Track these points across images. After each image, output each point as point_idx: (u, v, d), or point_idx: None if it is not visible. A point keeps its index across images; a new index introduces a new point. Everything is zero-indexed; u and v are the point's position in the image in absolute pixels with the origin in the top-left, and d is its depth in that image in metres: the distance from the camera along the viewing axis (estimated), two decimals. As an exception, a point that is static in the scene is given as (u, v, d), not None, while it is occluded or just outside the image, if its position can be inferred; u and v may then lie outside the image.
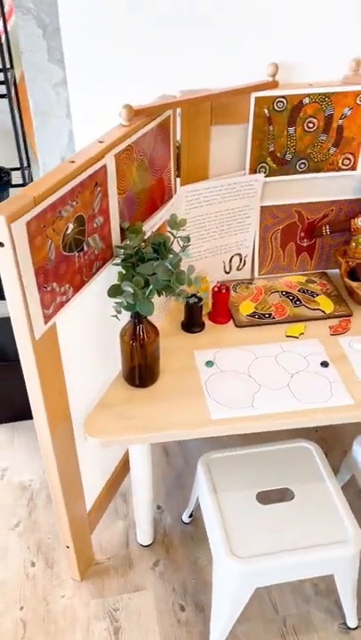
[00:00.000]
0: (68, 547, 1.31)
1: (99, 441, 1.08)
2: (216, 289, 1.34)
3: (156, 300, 1.27)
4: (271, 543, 1.16)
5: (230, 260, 1.48)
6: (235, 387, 1.19)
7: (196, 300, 1.30)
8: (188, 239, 1.05)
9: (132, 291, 0.95)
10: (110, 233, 1.07)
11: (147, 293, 0.96)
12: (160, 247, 1.05)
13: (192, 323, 1.34)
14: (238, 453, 1.32)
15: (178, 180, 1.34)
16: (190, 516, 1.51)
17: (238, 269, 1.50)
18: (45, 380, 0.98)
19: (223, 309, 1.36)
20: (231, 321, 1.37)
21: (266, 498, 1.24)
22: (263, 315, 1.38)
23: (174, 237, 1.06)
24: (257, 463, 1.30)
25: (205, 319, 1.37)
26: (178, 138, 1.28)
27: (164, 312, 1.37)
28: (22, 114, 1.79)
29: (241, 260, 1.49)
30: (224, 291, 1.34)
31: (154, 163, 1.18)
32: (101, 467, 1.42)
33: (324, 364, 1.24)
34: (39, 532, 1.51)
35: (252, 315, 1.38)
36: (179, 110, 1.24)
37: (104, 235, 1.05)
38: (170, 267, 0.96)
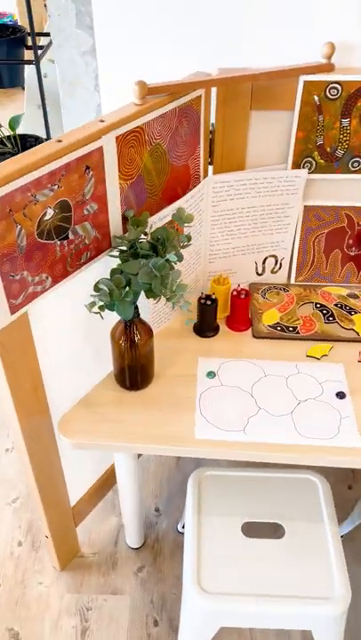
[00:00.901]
0: (46, 536, 1.28)
1: (70, 442, 1.02)
2: (235, 293, 1.21)
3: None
4: (245, 583, 1.04)
5: (264, 262, 1.34)
6: (231, 405, 1.07)
7: (210, 302, 1.19)
8: (188, 238, 0.94)
9: (107, 290, 0.86)
10: (108, 222, 0.98)
11: (122, 295, 0.87)
12: (158, 244, 0.95)
13: (204, 326, 1.22)
14: (235, 474, 1.20)
15: (211, 168, 1.22)
16: (184, 526, 1.42)
17: (273, 272, 1.36)
18: (11, 371, 0.92)
19: (242, 316, 1.23)
20: (250, 329, 1.25)
21: (252, 530, 1.12)
22: (287, 327, 1.23)
23: (176, 235, 0.95)
24: (252, 489, 1.18)
25: (222, 323, 1.26)
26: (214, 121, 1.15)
27: (180, 310, 1.27)
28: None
29: (277, 262, 1.35)
30: (243, 296, 1.21)
31: (175, 147, 1.07)
32: (95, 459, 1.37)
33: (341, 395, 1.09)
34: (33, 513, 1.49)
35: (275, 326, 1.24)
36: (215, 91, 1.11)
37: (99, 223, 0.96)
38: (153, 269, 0.85)
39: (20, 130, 1.61)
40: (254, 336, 1.22)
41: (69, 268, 0.94)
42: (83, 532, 1.42)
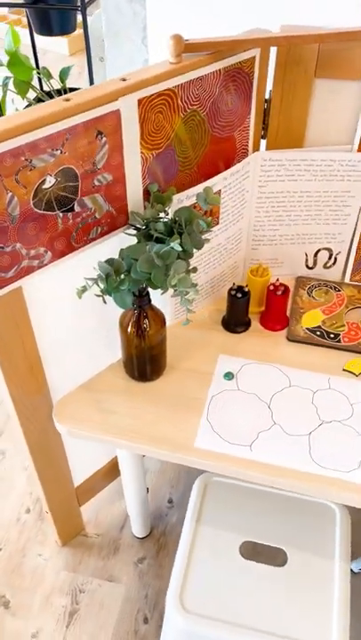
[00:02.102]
0: (46, 512, 1.24)
1: (64, 428, 0.95)
2: (272, 287, 1.07)
3: (201, 281, 1.07)
4: (232, 610, 0.95)
5: (316, 254, 1.18)
6: (243, 414, 0.95)
7: (241, 294, 1.06)
8: (208, 224, 0.82)
9: (102, 275, 0.76)
10: (125, 195, 0.87)
11: (117, 282, 0.76)
12: (176, 227, 0.83)
13: (232, 320, 1.10)
14: (244, 485, 1.09)
15: (263, 143, 1.07)
16: (194, 525, 1.34)
17: (326, 267, 1.20)
18: (2, 348, 0.86)
19: (277, 314, 1.10)
20: (286, 329, 1.11)
21: (252, 551, 1.02)
22: (328, 333, 1.08)
23: (198, 218, 0.83)
24: (261, 505, 1.07)
25: (256, 319, 1.13)
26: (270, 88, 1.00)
27: (212, 299, 1.15)
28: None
29: (331, 256, 1.18)
30: (281, 293, 1.07)
31: (218, 116, 0.93)
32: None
33: (373, 422, 0.94)
34: (47, 481, 1.47)
35: (314, 330, 1.09)
36: (275, 53, 0.95)
37: (114, 196, 0.86)
38: (155, 256, 0.74)
39: (73, 83, 1.52)
40: (288, 338, 1.09)
41: (75, 244, 0.85)
42: (90, 511, 1.38)
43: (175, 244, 0.74)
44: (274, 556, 1.02)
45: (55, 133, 0.73)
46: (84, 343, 1.01)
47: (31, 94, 1.37)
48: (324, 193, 1.07)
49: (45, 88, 1.31)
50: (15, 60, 1.14)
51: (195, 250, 0.85)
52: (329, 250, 1.17)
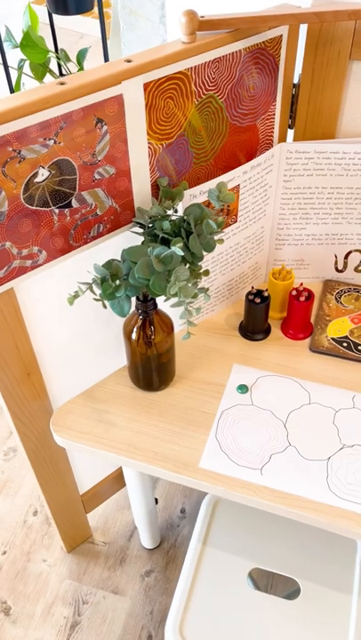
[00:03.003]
0: (51, 519, 1.19)
1: (61, 440, 0.89)
2: (294, 292, 0.98)
3: (218, 283, 0.99)
4: (235, 643, 0.87)
5: (346, 257, 1.08)
6: (255, 433, 0.87)
7: (260, 299, 0.97)
8: (218, 225, 0.73)
9: (98, 279, 0.68)
10: (131, 190, 0.79)
11: (111, 288, 0.69)
12: (184, 226, 0.75)
13: (249, 327, 1.01)
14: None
15: (291, 133, 0.97)
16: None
17: (357, 271, 1.09)
18: (-7, 354, 0.80)
19: (299, 322, 1.00)
20: (310, 339, 1.01)
21: (262, 579, 0.94)
22: (356, 345, 0.98)
23: (208, 217, 0.74)
24: (275, 529, 0.98)
25: (277, 326, 1.03)
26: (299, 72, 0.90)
27: (230, 302, 1.06)
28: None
29: (363, 259, 1.08)
30: (304, 299, 0.97)
31: (239, 103, 0.84)
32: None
33: None
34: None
35: (341, 340, 0.99)
36: (304, 31, 0.85)
37: (117, 191, 0.78)
38: (154, 261, 0.66)
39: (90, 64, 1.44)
40: (311, 349, 0.99)
41: (73, 242, 0.78)
42: (98, 517, 1.32)
43: (176, 248, 0.65)
44: (285, 587, 0.94)
45: (48, 121, 0.65)
46: (88, 348, 0.94)
47: (50, 79, 1.30)
48: (356, 190, 0.97)
49: (65, 72, 1.23)
50: (28, 42, 1.07)
51: (205, 252, 0.77)
52: (361, 252, 1.07)
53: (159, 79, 0.72)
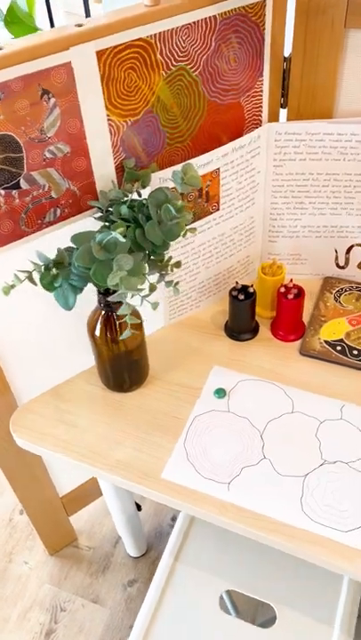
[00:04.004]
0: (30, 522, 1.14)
1: (21, 441, 0.83)
2: (283, 289, 0.89)
3: (202, 277, 0.91)
4: (199, 672, 0.80)
5: (348, 252, 0.98)
6: (228, 443, 0.79)
7: (243, 295, 0.88)
8: (178, 210, 0.65)
9: (37, 267, 0.62)
10: (92, 171, 0.72)
11: (49, 277, 0.62)
12: (142, 212, 0.67)
13: (234, 326, 0.93)
14: (239, 521, 0.93)
15: (284, 112, 0.88)
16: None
17: (361, 268, 0.99)
18: None
19: (288, 322, 0.91)
20: (300, 341, 0.92)
21: (235, 603, 0.86)
22: (351, 349, 0.89)
23: (168, 202, 0.67)
24: (252, 548, 0.90)
25: (268, 325, 0.95)
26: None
27: (217, 298, 0.98)
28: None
29: (367, 255, 0.98)
30: (293, 296, 0.88)
31: (218, 77, 0.76)
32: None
33: (390, 469, 0.74)
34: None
35: (335, 344, 0.90)
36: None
37: (75, 172, 0.71)
38: (95, 248, 0.59)
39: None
40: (301, 352, 0.90)
41: (26, 228, 0.71)
42: (85, 521, 1.27)
43: (117, 234, 0.58)
44: (260, 614, 0.85)
45: (-18, 90, 0.59)
46: (59, 343, 0.88)
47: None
48: (355, 177, 0.87)
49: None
50: (13, 18, 1.02)
51: (169, 241, 0.69)
52: (364, 247, 0.97)
53: (116, 47, 0.65)
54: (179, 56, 0.71)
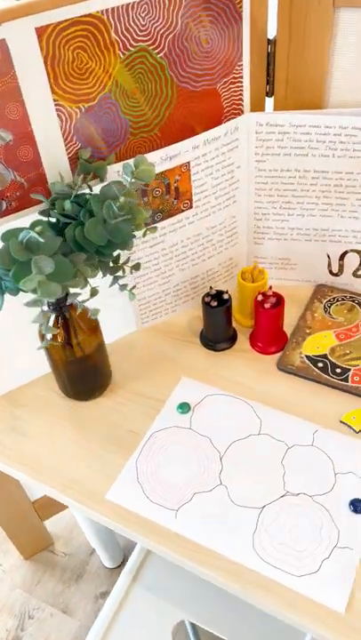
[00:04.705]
0: None
1: (-34, 445, 0.78)
2: (260, 297, 0.81)
3: (177, 279, 0.85)
4: None
5: (342, 258, 0.89)
6: (183, 464, 0.71)
7: (217, 302, 0.81)
8: (120, 207, 0.58)
9: None
10: (40, 162, 0.66)
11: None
12: (86, 208, 0.61)
13: (209, 334, 0.85)
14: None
15: (271, 102, 0.79)
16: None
17: (357, 275, 0.90)
18: None
19: (268, 332, 0.83)
20: (280, 354, 0.84)
21: (189, 636, 0.79)
22: (335, 367, 0.80)
23: (114, 198, 0.60)
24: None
25: (246, 335, 0.87)
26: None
27: (195, 302, 0.90)
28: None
29: (363, 262, 0.88)
30: (270, 305, 0.80)
31: (187, 60, 0.68)
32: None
33: (359, 507, 0.65)
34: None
35: (317, 360, 0.81)
36: (278, -30, 0.68)
37: (20, 162, 0.65)
38: (14, 247, 0.53)
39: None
40: (278, 367, 0.82)
41: (-34, 221, 0.66)
42: (64, 525, 1.22)
43: (34, 233, 0.52)
44: (215, 650, 0.78)
45: None
46: (15, 345, 0.83)
47: None
48: (347, 175, 0.78)
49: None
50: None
51: (118, 242, 0.62)
52: (360, 253, 0.87)
53: (60, 23, 0.59)
54: (138, 35, 0.64)
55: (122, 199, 0.58)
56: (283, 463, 0.71)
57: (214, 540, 0.65)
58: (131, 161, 0.63)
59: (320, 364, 0.80)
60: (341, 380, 0.78)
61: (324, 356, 0.81)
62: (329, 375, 0.79)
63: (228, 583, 0.62)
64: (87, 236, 0.59)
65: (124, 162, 0.63)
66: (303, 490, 0.68)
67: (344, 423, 0.74)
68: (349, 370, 0.79)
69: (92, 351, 0.76)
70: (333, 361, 0.81)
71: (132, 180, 0.61)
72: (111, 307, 0.76)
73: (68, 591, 1.15)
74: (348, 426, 0.74)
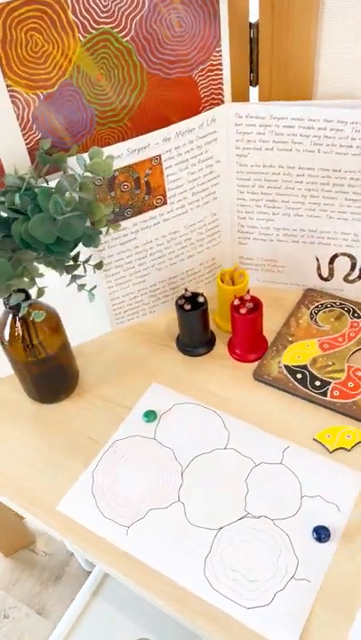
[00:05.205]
0: (-24, 520, 1.08)
1: None
2: (236, 302, 0.75)
3: (153, 279, 0.81)
4: None
5: (332, 261, 0.82)
6: (142, 477, 0.67)
7: (190, 305, 0.76)
8: (67, 203, 0.53)
9: None
10: (-5, 152, 0.63)
11: None
12: (30, 202, 0.57)
13: (185, 338, 0.80)
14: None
15: (255, 91, 0.74)
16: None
17: (348, 281, 0.84)
18: None
19: (245, 339, 0.78)
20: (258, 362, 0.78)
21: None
22: (314, 379, 0.74)
23: (59, 193, 0.56)
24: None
25: (225, 341, 0.82)
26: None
27: (169, 302, 0.86)
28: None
29: (354, 267, 0.82)
30: (246, 311, 0.74)
31: (159, 45, 0.63)
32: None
33: (322, 535, 0.60)
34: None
35: (296, 370, 0.75)
36: None
37: (-27, 152, 0.62)
38: None
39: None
40: (255, 377, 0.77)
41: None
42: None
43: None
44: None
45: None
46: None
47: None
48: (334, 173, 0.72)
49: None
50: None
51: (69, 239, 0.58)
52: (351, 257, 0.81)
53: (10, 3, 0.54)
54: (100, 17, 0.59)
55: (67, 194, 0.54)
56: (247, 482, 0.66)
57: (165, 562, 0.60)
58: (83, 155, 0.58)
59: (299, 376, 0.75)
60: (320, 393, 0.73)
61: (305, 367, 0.76)
62: (307, 388, 0.74)
63: (174, 613, 0.58)
64: (31, 232, 0.55)
65: (78, 155, 0.59)
66: (265, 512, 0.63)
67: (317, 441, 0.69)
68: (330, 383, 0.74)
69: (55, 352, 0.72)
70: (314, 372, 0.75)
71: (85, 174, 0.57)
72: (84, 306, 0.72)
73: (45, 592, 1.12)
74: (322, 444, 0.68)
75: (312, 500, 0.63)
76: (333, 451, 0.67)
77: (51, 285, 0.64)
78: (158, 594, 0.58)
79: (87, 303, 0.75)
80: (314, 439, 0.69)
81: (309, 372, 0.75)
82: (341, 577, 0.58)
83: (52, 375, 0.75)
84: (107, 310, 0.82)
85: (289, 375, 0.75)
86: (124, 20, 0.60)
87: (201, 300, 0.76)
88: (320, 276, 0.85)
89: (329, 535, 0.60)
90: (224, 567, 0.59)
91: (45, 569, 1.15)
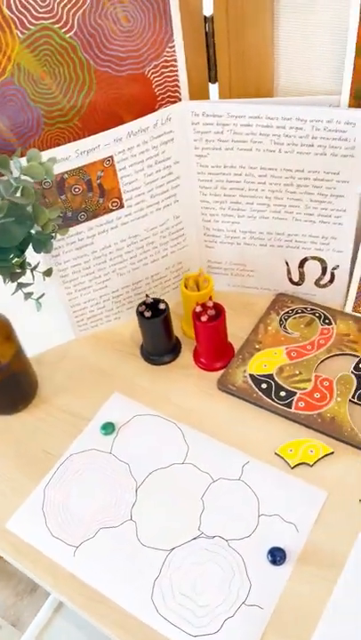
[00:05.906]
0: None
1: None
2: (198, 309, 0.72)
3: (116, 284, 0.78)
4: None
5: (301, 265, 0.79)
6: (95, 494, 0.64)
7: (150, 312, 0.73)
8: (1, 209, 0.51)
9: None
10: None
11: None
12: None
13: (148, 347, 0.77)
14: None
15: (215, 88, 0.70)
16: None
17: (319, 286, 0.80)
18: None
19: (209, 348, 0.74)
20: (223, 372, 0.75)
21: None
22: (279, 389, 0.71)
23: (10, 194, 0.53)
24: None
25: (190, 349, 0.79)
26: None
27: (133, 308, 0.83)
28: None
29: (325, 271, 0.78)
30: (208, 318, 0.71)
31: (106, 41, 0.60)
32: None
33: (277, 558, 0.57)
34: None
35: (261, 380, 0.72)
36: None
37: None
38: None
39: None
40: (218, 386, 0.73)
41: None
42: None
43: None
44: None
45: None
46: None
47: None
48: (297, 173, 0.68)
49: None
50: None
51: (5, 245, 0.55)
52: (321, 260, 0.77)
53: None
54: (38, 12, 0.56)
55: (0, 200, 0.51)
56: (203, 499, 0.63)
57: (111, 585, 0.57)
58: (18, 158, 0.55)
59: (264, 386, 0.72)
60: (284, 405, 0.69)
61: (270, 377, 0.72)
62: (271, 399, 0.70)
63: (117, 639, 0.55)
64: None
65: (15, 158, 0.56)
66: (220, 532, 0.60)
67: (279, 456, 0.65)
68: (295, 394, 0.70)
69: (8, 361, 0.69)
70: (280, 382, 0.72)
71: (22, 177, 0.54)
72: (46, 313, 0.69)
73: (20, 603, 1.10)
74: (284, 459, 0.65)
75: (270, 519, 0.60)
76: (295, 466, 0.64)
77: (6, 292, 0.62)
78: (101, 619, 0.56)
79: (49, 310, 0.73)
80: (275, 453, 0.66)
81: (275, 381, 0.72)
82: (296, 601, 0.55)
83: (6, 385, 0.72)
84: (68, 317, 0.79)
85: (254, 385, 0.72)
86: (65, 14, 0.57)
87: (162, 306, 0.73)
88: (291, 280, 0.81)
89: (285, 557, 0.57)
90: (173, 591, 0.56)
91: (21, 580, 1.12)
